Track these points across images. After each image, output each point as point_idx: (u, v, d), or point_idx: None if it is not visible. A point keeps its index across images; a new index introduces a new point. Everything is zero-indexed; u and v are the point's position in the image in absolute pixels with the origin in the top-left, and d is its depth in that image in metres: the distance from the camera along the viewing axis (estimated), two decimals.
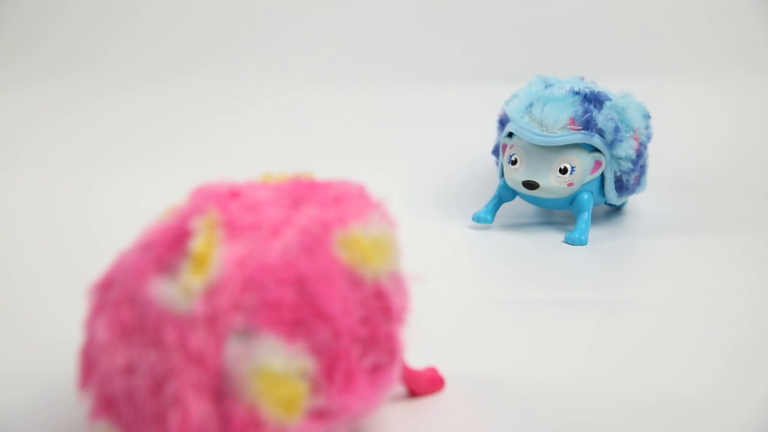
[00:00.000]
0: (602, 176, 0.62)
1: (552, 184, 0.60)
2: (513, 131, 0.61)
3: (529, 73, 0.68)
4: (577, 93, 0.61)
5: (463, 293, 0.52)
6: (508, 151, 0.62)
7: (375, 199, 0.33)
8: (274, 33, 1.00)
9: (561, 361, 0.42)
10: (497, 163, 0.66)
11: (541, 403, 0.37)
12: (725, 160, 0.78)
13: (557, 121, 0.60)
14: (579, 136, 0.59)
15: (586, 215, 0.61)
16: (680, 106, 0.83)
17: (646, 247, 0.62)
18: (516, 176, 0.61)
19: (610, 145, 0.60)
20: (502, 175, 0.64)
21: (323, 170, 0.36)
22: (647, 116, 0.65)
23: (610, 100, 0.61)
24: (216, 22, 1.02)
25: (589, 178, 0.61)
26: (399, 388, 0.36)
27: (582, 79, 0.66)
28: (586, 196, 0.61)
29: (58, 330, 0.37)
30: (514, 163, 0.61)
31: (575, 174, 0.60)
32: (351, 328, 0.29)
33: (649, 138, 0.64)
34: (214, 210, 0.30)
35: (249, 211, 0.30)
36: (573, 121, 0.60)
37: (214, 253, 0.28)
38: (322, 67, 0.97)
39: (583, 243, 0.60)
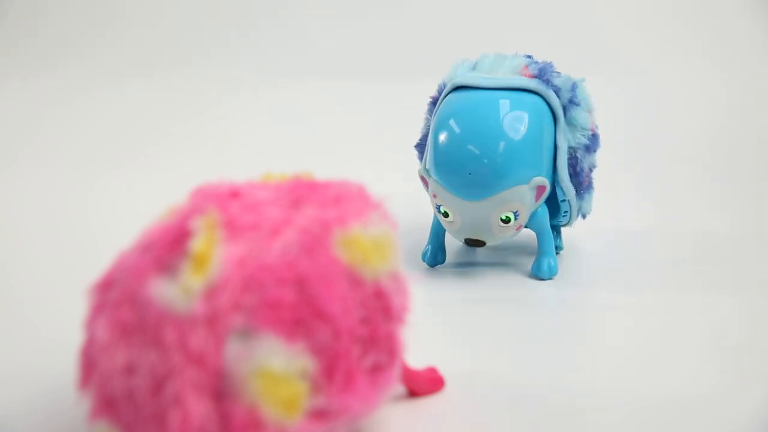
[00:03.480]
0: (554, 164, 0.52)
1: (498, 236, 0.51)
2: (455, 84, 0.52)
3: None
4: (528, 56, 0.54)
5: (463, 294, 0.52)
6: (432, 199, 0.52)
7: (375, 199, 0.33)
8: (276, 33, 1.00)
9: (561, 361, 0.42)
10: (421, 163, 0.55)
11: (541, 404, 0.37)
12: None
13: (509, 67, 0.52)
14: (534, 84, 0.51)
15: (546, 237, 0.52)
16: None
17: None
18: (453, 231, 0.51)
19: (566, 107, 0.52)
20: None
21: (323, 170, 0.36)
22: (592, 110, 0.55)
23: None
24: (217, 22, 1.02)
25: (536, 205, 0.51)
26: (399, 388, 0.36)
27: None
28: (539, 209, 0.52)
29: (58, 330, 0.37)
30: (446, 215, 0.51)
31: (520, 217, 0.50)
32: (351, 328, 0.29)
33: (597, 138, 0.54)
34: (214, 210, 0.30)
35: (249, 211, 0.30)
36: (527, 68, 0.52)
37: (214, 253, 0.28)
38: (323, 67, 0.98)
39: (552, 273, 0.53)
